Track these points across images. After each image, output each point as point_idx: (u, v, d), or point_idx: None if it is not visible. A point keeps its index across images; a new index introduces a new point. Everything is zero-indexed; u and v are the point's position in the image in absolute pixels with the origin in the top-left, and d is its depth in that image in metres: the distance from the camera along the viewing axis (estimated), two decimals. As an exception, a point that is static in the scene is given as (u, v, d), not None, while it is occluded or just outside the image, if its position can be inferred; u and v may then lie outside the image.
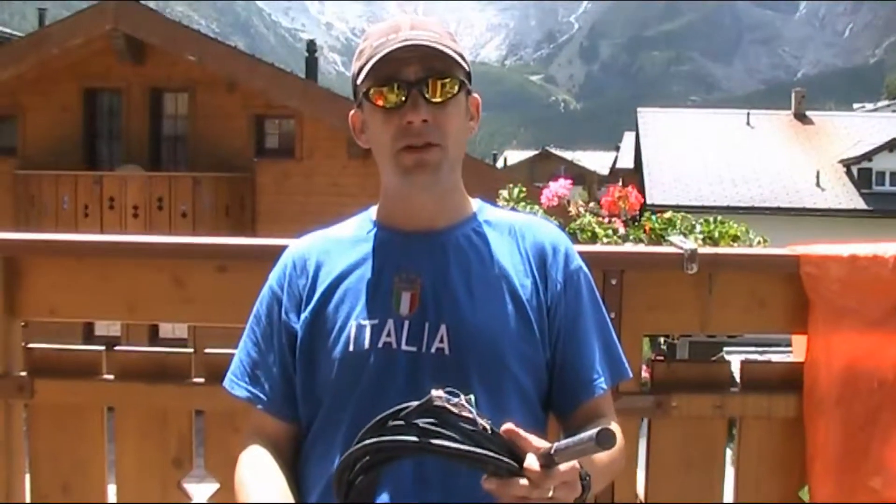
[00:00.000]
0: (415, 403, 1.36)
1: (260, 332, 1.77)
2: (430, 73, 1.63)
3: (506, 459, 1.34)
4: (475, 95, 1.75)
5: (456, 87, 1.65)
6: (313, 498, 1.64)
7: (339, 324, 1.67)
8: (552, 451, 1.33)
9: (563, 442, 1.33)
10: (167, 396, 2.28)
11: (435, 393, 1.35)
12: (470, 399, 1.36)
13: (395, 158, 1.65)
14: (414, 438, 1.34)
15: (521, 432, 1.37)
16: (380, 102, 1.64)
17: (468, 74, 1.70)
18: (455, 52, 1.65)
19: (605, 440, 1.27)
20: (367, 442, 1.37)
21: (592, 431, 1.27)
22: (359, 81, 1.67)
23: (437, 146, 1.64)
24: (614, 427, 1.69)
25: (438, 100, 1.63)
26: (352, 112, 1.75)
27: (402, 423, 1.36)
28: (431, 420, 1.34)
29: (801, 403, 2.24)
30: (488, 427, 1.35)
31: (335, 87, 20.12)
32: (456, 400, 1.35)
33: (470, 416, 1.34)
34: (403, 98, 1.62)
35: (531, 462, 1.33)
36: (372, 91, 1.64)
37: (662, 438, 2.28)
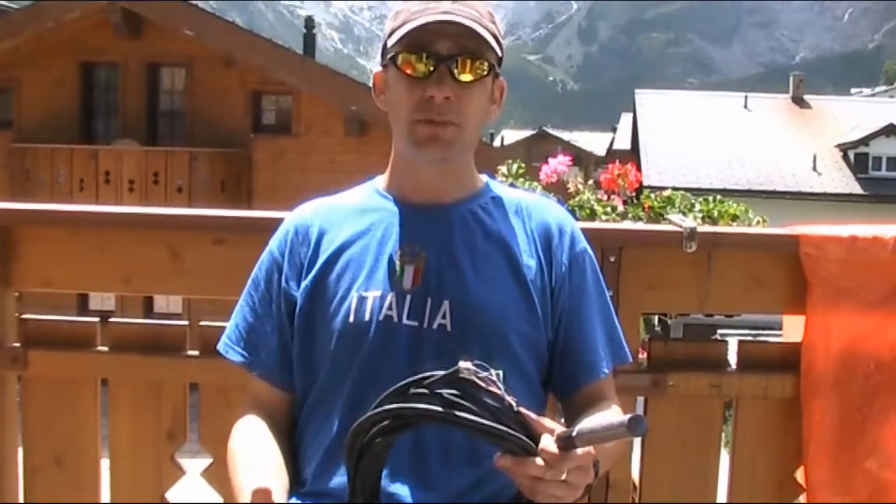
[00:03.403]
0: (440, 373, 1.33)
1: (258, 297, 1.75)
2: (462, 50, 1.61)
3: (524, 438, 1.32)
4: (501, 79, 1.73)
5: (485, 69, 1.64)
6: (312, 468, 1.63)
7: (341, 294, 1.65)
8: (574, 434, 1.30)
9: (587, 426, 1.30)
10: (162, 369, 2.27)
11: (463, 364, 1.33)
12: (499, 374, 1.34)
13: (411, 128, 1.64)
14: (438, 408, 1.32)
15: (533, 415, 1.35)
16: (407, 70, 1.62)
17: (499, 58, 1.68)
18: (491, 34, 1.63)
19: (636, 427, 1.23)
20: (388, 407, 1.35)
21: (623, 418, 1.24)
22: (389, 43, 1.64)
23: (454, 125, 1.62)
24: (617, 409, 1.69)
25: (465, 79, 1.62)
26: (376, 70, 1.73)
27: (425, 391, 1.34)
28: (454, 391, 1.32)
29: (798, 384, 2.24)
30: (514, 404, 1.33)
31: (333, 65, 20.05)
32: (484, 374, 1.33)
33: (498, 391, 1.32)
34: (431, 70, 1.60)
35: (547, 443, 1.32)
36: (401, 57, 1.62)
37: (658, 417, 2.27)
